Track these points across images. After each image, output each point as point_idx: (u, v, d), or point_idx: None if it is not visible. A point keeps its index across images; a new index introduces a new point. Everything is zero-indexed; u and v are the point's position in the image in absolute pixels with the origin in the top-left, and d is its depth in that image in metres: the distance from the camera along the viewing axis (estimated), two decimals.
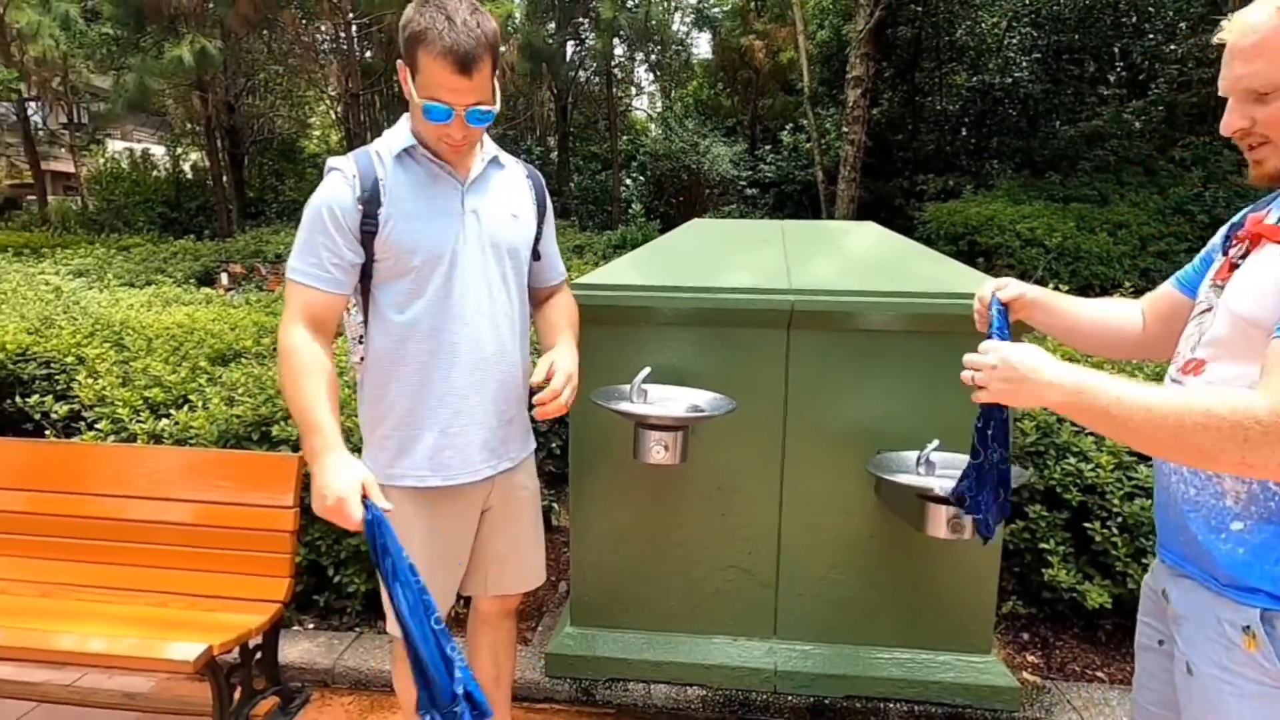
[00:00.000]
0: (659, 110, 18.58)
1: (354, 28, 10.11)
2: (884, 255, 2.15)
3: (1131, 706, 1.25)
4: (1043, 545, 2.29)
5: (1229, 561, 0.96)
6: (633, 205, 14.06)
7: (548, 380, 1.41)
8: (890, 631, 2.05)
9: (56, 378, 3.12)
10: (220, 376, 2.85)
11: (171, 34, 10.77)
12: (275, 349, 3.26)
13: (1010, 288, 1.25)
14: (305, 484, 2.17)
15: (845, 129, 9.94)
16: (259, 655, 1.95)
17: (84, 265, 7.70)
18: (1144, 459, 2.34)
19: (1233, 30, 0.95)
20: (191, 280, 7.65)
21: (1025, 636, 2.40)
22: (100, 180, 15.55)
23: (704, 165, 13.40)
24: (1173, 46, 10.98)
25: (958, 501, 1.34)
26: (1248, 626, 0.94)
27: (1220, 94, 0.99)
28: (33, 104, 16.15)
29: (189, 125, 15.61)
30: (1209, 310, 1.03)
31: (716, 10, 16.46)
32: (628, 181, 14.98)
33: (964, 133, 12.76)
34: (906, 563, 2.00)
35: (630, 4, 13.46)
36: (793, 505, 2.02)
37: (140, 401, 2.67)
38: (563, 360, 1.47)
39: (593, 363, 1.96)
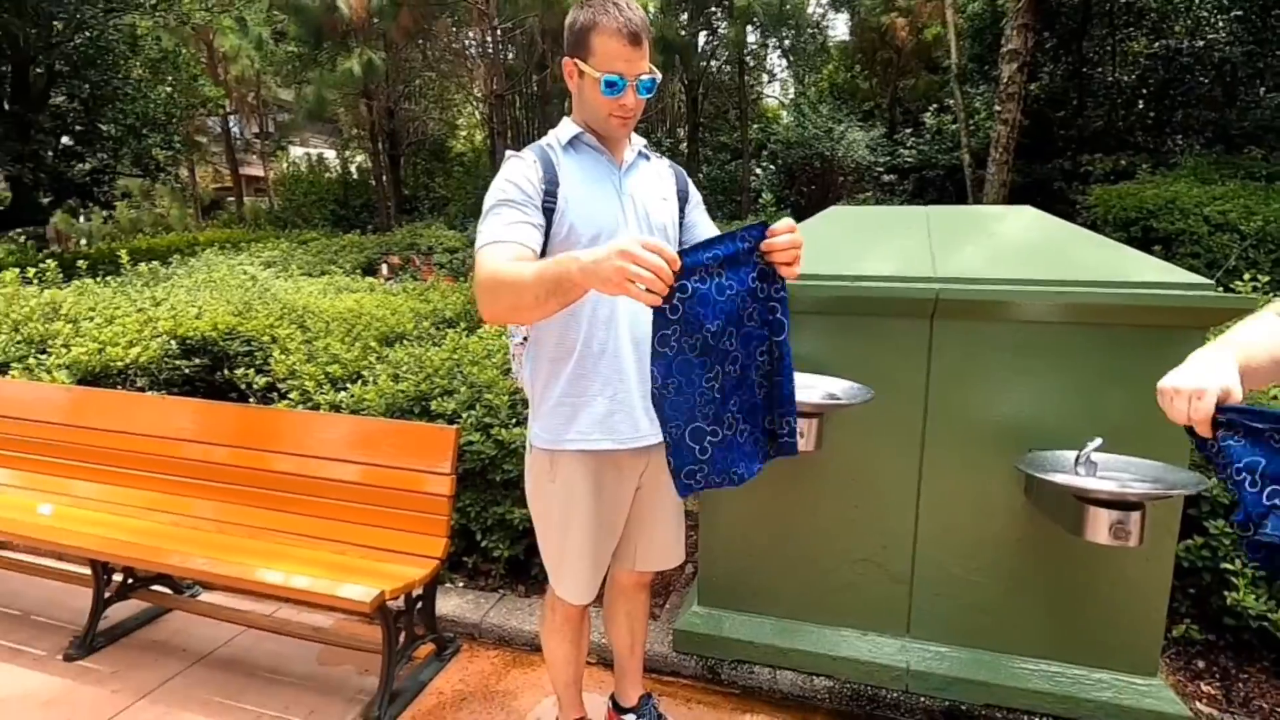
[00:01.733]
0: (791, 97, 18.11)
1: (499, 32, 10.70)
2: (1040, 241, 2.01)
3: None
4: (1225, 565, 2.06)
5: None
6: (763, 195, 13.84)
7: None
8: (1037, 641, 1.93)
9: (255, 354, 3.61)
10: (387, 355, 3.17)
11: (343, 48, 11.95)
12: (434, 330, 3.56)
13: (1233, 397, 0.98)
14: (461, 453, 2.39)
15: (998, 107, 9.19)
16: (420, 605, 2.18)
17: (272, 257, 8.76)
18: None
19: None
20: (357, 270, 8.49)
21: (1200, 664, 2.16)
22: (284, 182, 17.59)
23: (838, 152, 12.91)
24: None
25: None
26: None
27: None
28: (232, 117, 18.58)
29: (355, 130, 17.26)
30: None
31: None
32: (758, 171, 14.74)
33: (1140, 106, 11.37)
34: (1059, 570, 1.87)
35: None
36: (931, 501, 1.95)
37: (323, 375, 3.03)
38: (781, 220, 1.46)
39: None
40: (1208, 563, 2.10)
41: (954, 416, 1.90)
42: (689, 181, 1.70)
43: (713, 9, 14.18)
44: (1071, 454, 1.67)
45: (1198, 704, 1.99)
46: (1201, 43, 10.36)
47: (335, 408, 2.81)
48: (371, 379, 2.91)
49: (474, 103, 16.41)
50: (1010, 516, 1.89)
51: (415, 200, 16.74)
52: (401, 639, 2.08)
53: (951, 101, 11.20)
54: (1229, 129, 9.86)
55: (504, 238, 1.39)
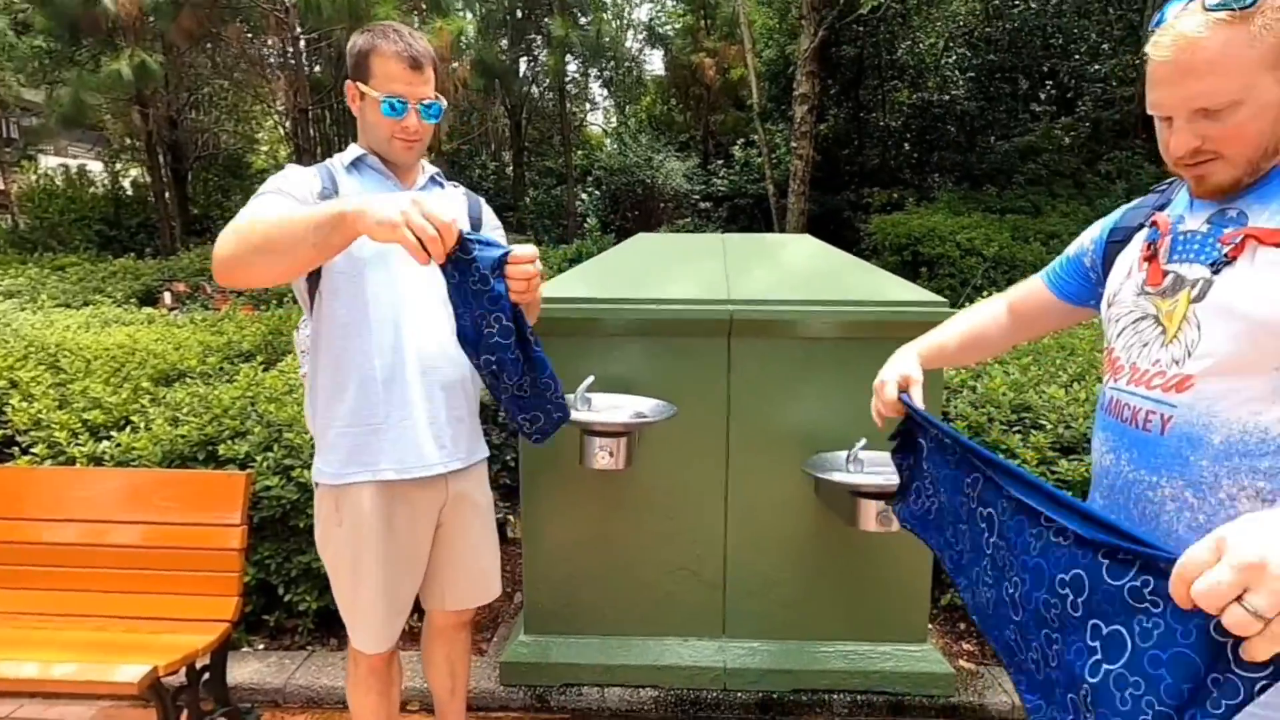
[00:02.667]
0: (613, 126, 18.77)
1: (302, 42, 9.98)
2: (819, 267, 2.26)
3: None
4: None
5: None
6: (588, 219, 14.15)
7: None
8: (833, 626, 2.14)
9: None
10: (164, 397, 2.80)
11: (109, 47, 10.45)
12: (223, 368, 3.21)
13: (917, 385, 1.22)
14: (254, 501, 2.17)
15: (794, 144, 10.22)
16: (206, 676, 1.93)
17: (15, 286, 7.38)
18: (1066, 453, 2.50)
19: (1169, 46, 0.88)
20: (133, 300, 7.41)
21: (962, 626, 2.52)
22: (33, 198, 14.91)
23: (658, 179, 13.58)
24: (1096, 66, 11.63)
25: None
26: None
27: (1158, 113, 0.94)
28: None
29: (129, 140, 15.11)
30: (1146, 319, 0.99)
31: (668, 28, 16.77)
32: (583, 196, 15.07)
33: (906, 147, 13.23)
34: (845, 559, 2.10)
35: (583, 22, 13.62)
36: (737, 507, 2.10)
37: (79, 424, 2.61)
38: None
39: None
40: None
41: (752, 427, 2.07)
42: (484, 208, 1.69)
43: (532, 36, 14.34)
44: (844, 455, 1.89)
45: (960, 661, 2.32)
46: (948, 97, 12.30)
47: (96, 460, 2.43)
48: (144, 424, 2.55)
49: (276, 116, 15.09)
50: (805, 515, 2.09)
51: (208, 220, 14.97)
52: (184, 719, 1.83)
53: (756, 137, 12.26)
54: (972, 169, 11.77)
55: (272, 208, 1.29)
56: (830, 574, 2.12)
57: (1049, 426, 2.54)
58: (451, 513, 1.59)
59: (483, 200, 1.71)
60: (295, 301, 6.11)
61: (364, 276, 1.44)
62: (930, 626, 2.22)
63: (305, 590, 2.37)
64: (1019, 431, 2.58)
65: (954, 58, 12.74)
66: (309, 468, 2.37)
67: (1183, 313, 0.93)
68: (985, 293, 3.89)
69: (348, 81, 1.48)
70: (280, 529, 2.36)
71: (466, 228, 1.60)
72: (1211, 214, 0.95)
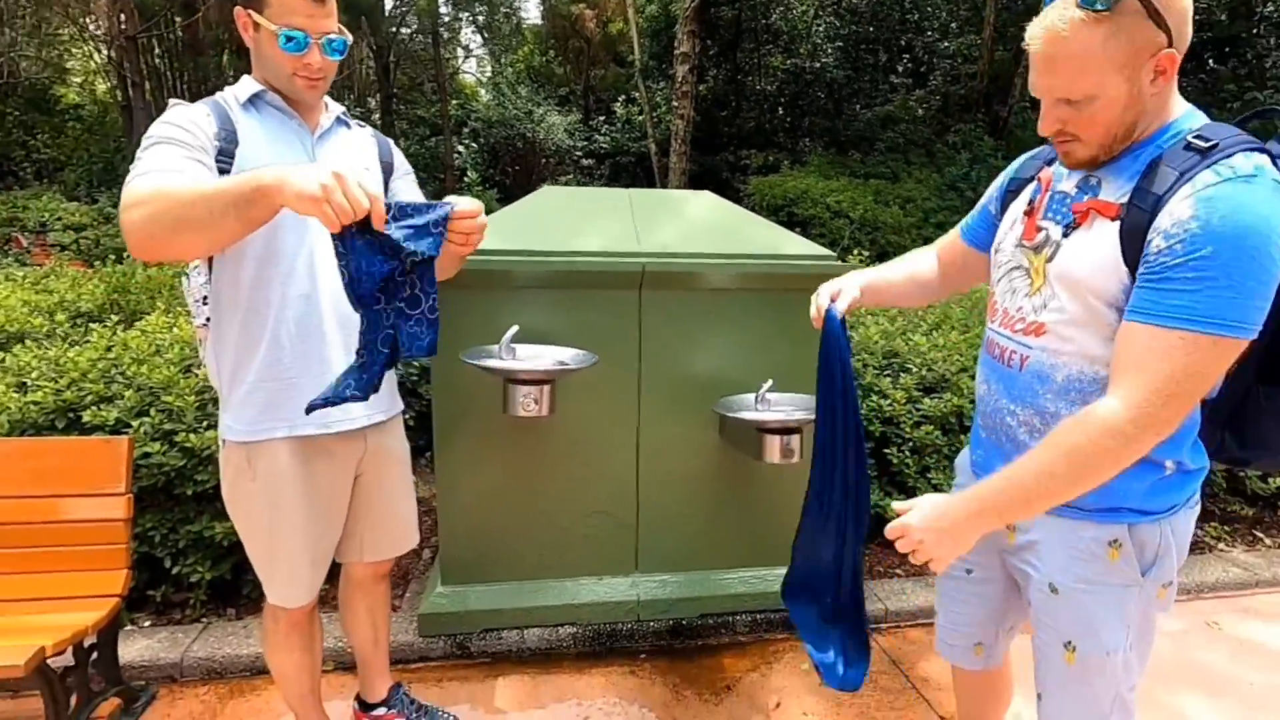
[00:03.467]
0: (489, 76, 17.97)
1: None
2: (721, 221, 2.38)
3: (937, 631, 1.42)
4: None
5: (1099, 491, 1.00)
6: (468, 173, 13.59)
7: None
8: (735, 554, 2.34)
9: None
10: (3, 361, 2.47)
11: None
12: (69, 329, 2.88)
13: (845, 297, 1.35)
14: (138, 468, 2.01)
15: (675, 103, 10.33)
16: (95, 655, 1.80)
17: None
18: (929, 392, 2.83)
19: (1039, 39, 0.97)
20: None
21: None
22: None
23: (539, 134, 13.26)
24: (945, 44, 12.62)
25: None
26: (1114, 540, 1.06)
27: (1034, 94, 1.04)
28: None
29: None
30: (1019, 269, 1.13)
31: None
32: (460, 148, 14.41)
33: (780, 112, 13.76)
34: (746, 492, 2.28)
35: None
36: (649, 450, 2.21)
37: None
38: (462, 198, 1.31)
39: (458, 326, 2.01)
40: None
41: (662, 374, 2.18)
42: (395, 151, 1.62)
43: None
44: (752, 396, 2.05)
45: None
46: (818, 64, 12.88)
47: None
48: None
49: (93, 43, 13.07)
50: (711, 454, 2.24)
51: (9, 161, 12.86)
52: (74, 701, 1.70)
53: (638, 94, 12.25)
54: (839, 135, 12.48)
55: (170, 168, 1.19)
56: (733, 508, 2.30)
57: (914, 370, 2.86)
58: (370, 464, 1.58)
59: (392, 142, 1.64)
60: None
61: (273, 225, 1.33)
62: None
63: (196, 561, 2.23)
64: (889, 375, 2.88)
65: (823, 26, 13.30)
66: (194, 432, 2.22)
67: (1041, 269, 1.09)
68: (854, 252, 4.25)
69: (237, 8, 1.34)
70: (163, 498, 2.20)
71: (378, 174, 1.55)
72: (1080, 179, 1.08)
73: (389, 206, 1.09)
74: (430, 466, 2.78)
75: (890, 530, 1.07)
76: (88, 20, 11.89)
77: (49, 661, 1.57)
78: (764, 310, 2.19)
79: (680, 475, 2.25)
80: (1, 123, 13.65)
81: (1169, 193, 0.94)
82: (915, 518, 1.05)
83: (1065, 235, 1.06)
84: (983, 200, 1.33)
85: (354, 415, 1.48)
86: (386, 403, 1.57)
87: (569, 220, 2.24)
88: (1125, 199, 0.99)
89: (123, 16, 8.91)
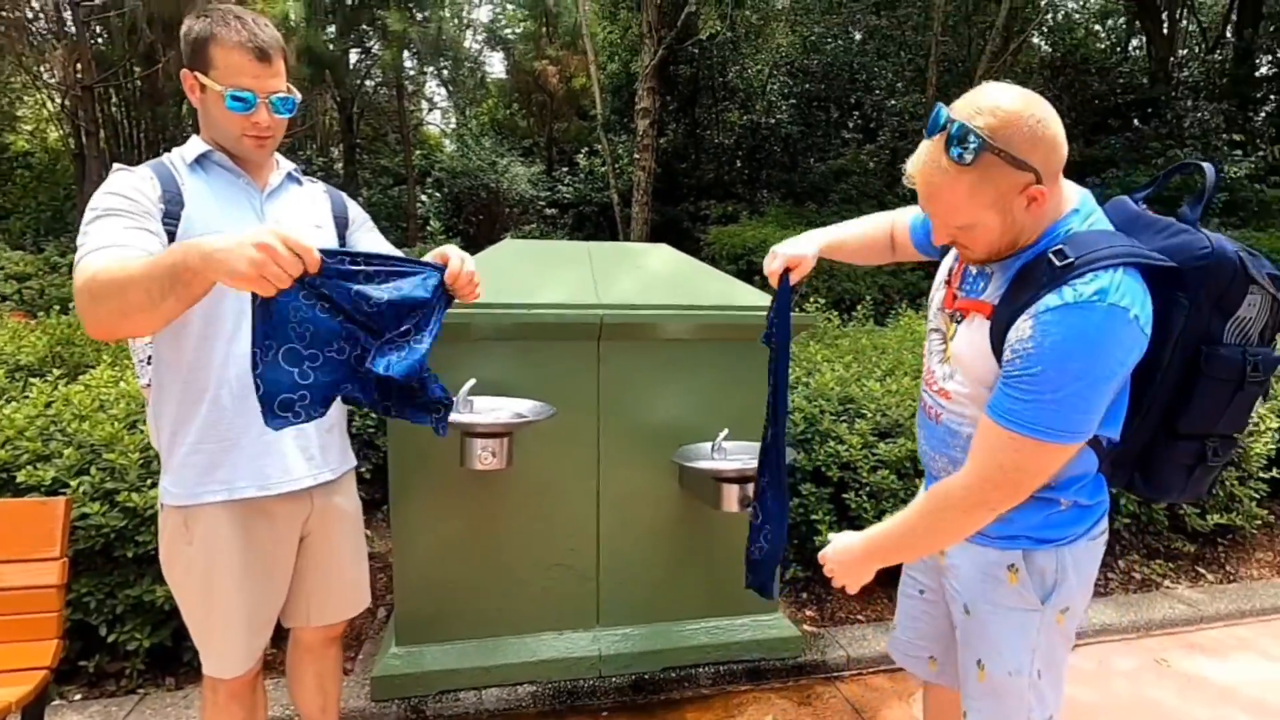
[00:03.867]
0: (453, 127, 18.23)
1: (82, 9, 8.64)
2: (678, 274, 2.44)
3: (891, 643, 1.53)
4: (814, 516, 2.73)
5: (1000, 521, 1.15)
6: (430, 222, 13.63)
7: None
8: (698, 605, 2.32)
9: None
10: None
11: None
12: (7, 384, 2.77)
13: (802, 270, 1.50)
14: (72, 531, 1.92)
15: (637, 156, 10.61)
16: None
17: None
18: (884, 437, 2.90)
19: (916, 179, 1.07)
20: None
21: (805, 595, 2.83)
22: None
23: (503, 184, 13.42)
24: (892, 102, 13.28)
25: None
26: (1012, 565, 1.18)
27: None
28: None
29: None
30: (938, 332, 1.26)
31: (509, 32, 16.64)
32: (423, 198, 14.48)
33: (738, 164, 14.22)
34: (707, 541, 2.29)
35: (420, 17, 13.12)
36: (609, 501, 2.21)
37: None
38: (450, 248, 1.34)
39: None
40: (803, 517, 2.76)
41: (622, 424, 2.19)
42: (349, 204, 1.61)
43: (365, 28, 13.57)
44: (709, 445, 2.07)
45: (805, 625, 2.61)
46: (774, 120, 13.41)
47: None
48: None
49: (44, 91, 12.89)
50: (671, 503, 2.25)
51: None
52: None
53: (600, 147, 12.55)
54: (795, 187, 12.92)
55: (114, 243, 1.19)
56: (694, 557, 2.29)
57: (869, 415, 2.93)
58: (318, 524, 1.53)
59: (345, 196, 1.64)
60: None
61: (220, 285, 1.34)
62: (778, 599, 2.47)
63: (134, 627, 2.12)
64: (845, 421, 2.94)
65: (778, 84, 13.90)
66: (136, 491, 2.14)
67: (951, 336, 1.23)
68: (811, 299, 4.40)
69: (184, 70, 1.35)
70: (101, 561, 2.10)
71: (330, 230, 1.54)
72: (979, 269, 1.20)
73: (325, 255, 1.09)
74: (386, 521, 2.72)
75: (819, 557, 1.27)
76: (42, 69, 11.77)
77: None
78: (719, 359, 2.23)
79: (641, 525, 2.24)
80: None
81: (1022, 308, 1.05)
82: (829, 550, 1.26)
83: (958, 323, 1.21)
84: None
85: (297, 476, 1.44)
86: (335, 460, 1.54)
87: (528, 272, 2.28)
88: (997, 301, 1.12)
89: (79, 66, 8.84)
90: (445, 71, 15.96)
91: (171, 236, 1.29)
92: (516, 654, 2.18)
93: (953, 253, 1.29)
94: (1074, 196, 1.12)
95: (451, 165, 13.93)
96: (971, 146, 0.99)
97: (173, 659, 2.24)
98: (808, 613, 2.73)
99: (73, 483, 2.08)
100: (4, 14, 10.62)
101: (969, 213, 1.05)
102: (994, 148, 0.98)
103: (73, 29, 9.17)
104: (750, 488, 1.93)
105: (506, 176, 13.45)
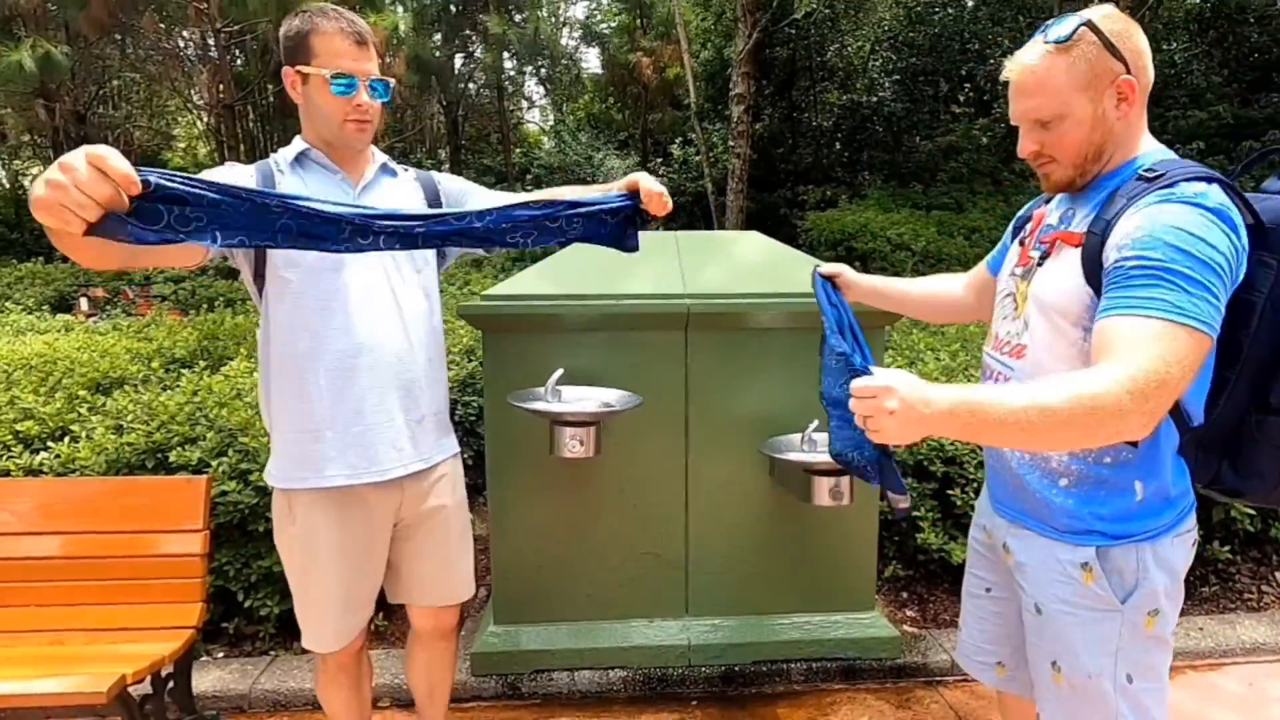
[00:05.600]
0: (551, 124, 18.69)
1: (223, 35, 9.55)
2: (768, 261, 2.38)
3: (959, 648, 1.43)
4: (915, 514, 2.60)
5: (1063, 512, 1.12)
6: None
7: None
8: (789, 599, 2.28)
9: None
10: (103, 405, 2.70)
11: (7, 37, 9.75)
12: (164, 374, 3.11)
13: (841, 274, 1.54)
14: (214, 506, 2.14)
15: (731, 143, 10.46)
16: (171, 685, 1.90)
17: None
18: None
19: (1013, 71, 1.11)
20: (45, 307, 6.98)
21: (905, 595, 2.70)
22: None
23: (598, 177, 13.65)
24: None
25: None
26: (1085, 563, 1.11)
27: (1011, 123, 1.16)
28: None
29: (30, 137, 14.10)
30: (1010, 295, 1.23)
31: (604, 27, 16.81)
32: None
33: (838, 147, 13.72)
34: (798, 535, 2.23)
35: (518, 19, 13.52)
36: (697, 491, 2.20)
37: (10, 436, 2.49)
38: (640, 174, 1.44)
39: (506, 369, 2.07)
40: (903, 513, 2.64)
41: (710, 414, 2.17)
42: (439, 182, 1.63)
43: (468, 33, 14.15)
44: (798, 436, 2.02)
45: (904, 626, 2.50)
46: (875, 98, 12.83)
47: (33, 472, 2.33)
48: (85, 434, 2.46)
49: (194, 111, 14.38)
50: (760, 495, 2.21)
51: None
52: None
53: (694, 135, 12.47)
54: (899, 168, 12.31)
55: None
56: (785, 551, 2.25)
57: None
58: (411, 512, 1.56)
59: (434, 174, 1.65)
60: (225, 305, 5.86)
61: (308, 275, 1.40)
62: (876, 597, 2.38)
63: (266, 595, 2.34)
64: None
65: (880, 61, 13.28)
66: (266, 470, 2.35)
67: (1024, 292, 1.19)
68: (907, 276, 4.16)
69: (285, 69, 1.40)
70: (238, 534, 2.33)
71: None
72: (1063, 211, 1.18)
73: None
74: (486, 504, 2.84)
75: (866, 383, 0.96)
76: (192, 92, 13.11)
77: (129, 689, 1.67)
78: (812, 349, 2.14)
79: (730, 517, 2.22)
80: None
81: (1117, 216, 1.04)
82: (895, 381, 0.94)
83: (1039, 263, 1.16)
84: (1005, 236, 1.40)
85: (385, 467, 1.47)
86: (428, 450, 1.56)
87: (615, 264, 2.29)
88: (1086, 227, 1.09)
89: (221, 87, 9.79)
90: (543, 70, 16.36)
91: None
92: (608, 639, 2.22)
93: (1011, 225, 1.33)
94: (1149, 141, 1.13)
95: (549, 161, 14.31)
96: (1071, 26, 1.05)
97: (297, 625, 2.45)
98: (908, 613, 2.61)
99: (214, 463, 2.31)
100: (162, 46, 11.91)
101: (1062, 96, 1.06)
102: (1091, 25, 1.05)
103: (215, 54, 10.14)
104: (844, 482, 1.87)
105: (601, 170, 13.65)
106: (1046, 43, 1.07)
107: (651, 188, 1.38)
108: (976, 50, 12.76)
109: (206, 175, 1.36)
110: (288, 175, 1.44)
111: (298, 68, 1.39)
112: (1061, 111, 1.07)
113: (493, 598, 2.27)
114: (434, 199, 1.60)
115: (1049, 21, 1.10)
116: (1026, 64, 1.09)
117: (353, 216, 1.14)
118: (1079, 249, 1.08)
